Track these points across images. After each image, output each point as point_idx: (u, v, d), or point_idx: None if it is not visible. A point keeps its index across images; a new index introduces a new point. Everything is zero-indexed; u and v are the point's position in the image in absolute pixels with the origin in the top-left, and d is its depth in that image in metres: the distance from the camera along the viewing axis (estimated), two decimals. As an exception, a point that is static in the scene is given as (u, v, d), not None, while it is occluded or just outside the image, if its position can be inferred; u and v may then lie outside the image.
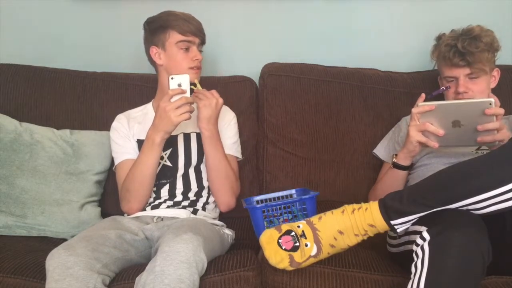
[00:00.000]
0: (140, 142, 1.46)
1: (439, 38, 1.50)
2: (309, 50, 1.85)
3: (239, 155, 1.55)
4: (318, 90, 1.68)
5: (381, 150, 1.58)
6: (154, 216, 1.37)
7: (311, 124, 1.65)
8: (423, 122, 1.26)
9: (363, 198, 1.56)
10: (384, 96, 1.68)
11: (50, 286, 1.00)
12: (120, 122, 1.51)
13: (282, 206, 1.25)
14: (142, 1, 1.81)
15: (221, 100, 1.36)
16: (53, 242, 1.37)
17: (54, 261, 1.03)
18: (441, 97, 1.51)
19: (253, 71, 1.76)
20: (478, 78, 1.41)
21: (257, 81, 1.74)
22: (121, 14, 1.84)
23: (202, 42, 1.49)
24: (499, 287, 1.06)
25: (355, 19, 1.85)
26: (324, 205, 1.45)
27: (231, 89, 1.68)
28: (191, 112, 1.28)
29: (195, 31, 1.44)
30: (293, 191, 1.42)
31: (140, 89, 1.69)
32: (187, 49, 1.44)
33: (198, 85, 1.39)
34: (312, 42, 1.86)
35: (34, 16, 1.85)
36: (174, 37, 1.43)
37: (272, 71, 1.70)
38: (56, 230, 1.44)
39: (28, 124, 1.56)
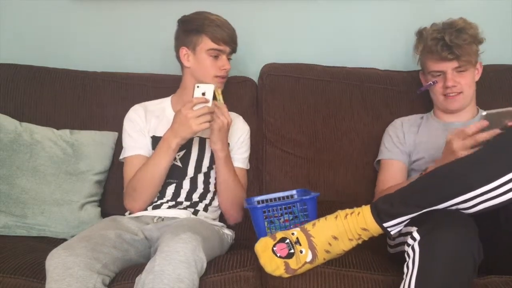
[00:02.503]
0: (154, 139, 1.45)
1: (420, 32, 1.49)
2: (309, 50, 1.85)
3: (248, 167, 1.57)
4: (317, 90, 1.68)
5: (386, 154, 1.52)
6: (155, 217, 1.36)
7: (310, 124, 1.65)
8: (473, 137, 1.14)
9: (363, 197, 1.56)
10: (383, 95, 1.68)
11: (50, 286, 1.00)
12: (137, 113, 1.48)
13: (283, 206, 1.25)
14: (142, 1, 1.81)
15: (230, 121, 1.35)
16: (53, 242, 1.37)
17: (54, 261, 1.03)
18: (427, 92, 1.51)
19: (253, 71, 1.76)
20: (465, 71, 1.42)
21: (256, 81, 1.74)
22: (121, 14, 1.84)
23: (233, 51, 1.48)
24: (499, 287, 1.06)
25: (354, 19, 1.85)
26: (323, 205, 1.45)
27: (231, 89, 1.68)
28: (211, 121, 1.28)
29: (227, 39, 1.44)
30: (294, 191, 1.42)
31: (141, 88, 1.69)
32: (216, 57, 1.43)
33: (220, 97, 1.38)
34: (312, 42, 1.86)
35: (34, 16, 1.85)
36: (206, 43, 1.42)
37: (271, 71, 1.70)
38: (56, 230, 1.44)
39: (28, 124, 1.56)
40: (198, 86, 1.29)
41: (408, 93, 1.66)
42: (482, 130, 1.13)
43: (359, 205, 1.09)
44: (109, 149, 1.58)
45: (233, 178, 1.41)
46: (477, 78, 1.47)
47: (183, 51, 1.46)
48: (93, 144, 1.55)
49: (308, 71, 1.70)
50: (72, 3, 1.84)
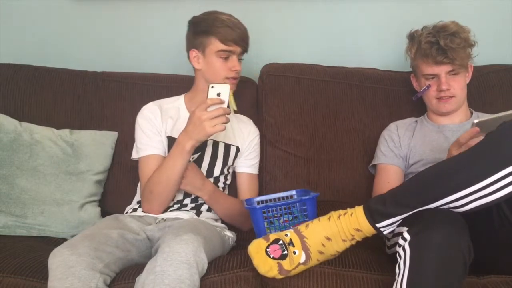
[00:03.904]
0: (170, 140, 1.42)
1: (412, 35, 1.49)
2: (309, 50, 1.85)
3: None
4: (317, 90, 1.68)
5: (381, 158, 1.52)
6: (157, 218, 1.36)
7: (310, 124, 1.65)
8: (466, 144, 1.18)
9: (363, 197, 1.56)
10: (383, 95, 1.68)
11: (52, 285, 1.00)
12: (153, 113, 1.46)
13: (283, 207, 1.25)
14: (142, 1, 1.81)
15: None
16: (53, 242, 1.37)
17: (57, 259, 1.03)
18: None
19: (253, 71, 1.76)
20: (458, 74, 1.43)
21: (256, 81, 1.74)
22: (121, 14, 1.84)
23: (244, 51, 1.46)
24: (498, 287, 1.07)
25: (354, 19, 1.85)
26: (323, 205, 1.46)
27: (231, 89, 1.68)
28: (226, 123, 1.24)
29: (237, 40, 1.41)
30: (293, 192, 1.42)
31: (141, 88, 1.68)
32: (226, 58, 1.41)
33: (232, 99, 1.35)
34: (312, 42, 1.86)
35: (34, 16, 1.85)
36: (215, 45, 1.40)
37: (271, 71, 1.70)
38: (56, 230, 1.45)
39: (28, 124, 1.56)
40: (212, 87, 1.24)
41: (408, 93, 1.66)
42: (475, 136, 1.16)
43: (359, 205, 1.09)
44: (109, 149, 1.57)
45: (231, 206, 1.43)
46: (467, 80, 1.49)
47: (193, 53, 1.44)
48: (93, 144, 1.55)
49: (308, 71, 1.70)
50: (72, 3, 1.84)
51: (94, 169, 1.52)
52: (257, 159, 1.57)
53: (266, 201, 1.39)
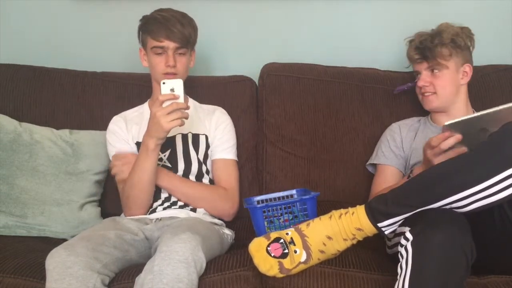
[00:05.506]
0: (139, 145, 1.44)
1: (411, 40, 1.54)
2: (309, 50, 1.85)
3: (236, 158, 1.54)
4: (318, 90, 1.68)
5: (381, 158, 1.52)
6: (153, 219, 1.36)
7: (310, 124, 1.65)
8: (438, 147, 1.17)
9: (363, 197, 1.56)
10: (383, 95, 1.68)
11: (50, 286, 1.00)
12: (118, 124, 1.49)
13: (283, 206, 1.25)
14: (142, 1, 1.81)
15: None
16: (53, 242, 1.36)
17: (54, 260, 1.03)
18: (411, 91, 1.56)
19: (253, 71, 1.75)
20: (439, 72, 1.45)
21: (257, 81, 1.74)
22: (121, 14, 1.84)
23: (182, 45, 1.42)
24: (499, 287, 1.07)
25: (354, 19, 1.85)
26: (323, 205, 1.45)
27: (231, 89, 1.68)
28: (185, 117, 1.25)
29: (169, 35, 1.39)
30: (293, 191, 1.42)
31: (140, 88, 1.68)
32: (161, 54, 1.41)
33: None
34: (312, 42, 1.86)
35: (34, 17, 1.85)
36: (150, 42, 1.42)
37: (271, 71, 1.70)
38: (56, 230, 1.44)
39: (27, 124, 1.56)
40: (164, 83, 1.25)
41: (408, 94, 1.66)
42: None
43: (360, 205, 1.09)
44: (109, 149, 1.57)
45: (179, 187, 1.40)
46: (464, 81, 1.47)
47: (141, 52, 1.49)
48: (92, 144, 1.55)
49: (309, 71, 1.70)
50: (72, 3, 1.84)
51: (94, 169, 1.52)
52: (230, 143, 1.52)
53: (266, 200, 1.39)
